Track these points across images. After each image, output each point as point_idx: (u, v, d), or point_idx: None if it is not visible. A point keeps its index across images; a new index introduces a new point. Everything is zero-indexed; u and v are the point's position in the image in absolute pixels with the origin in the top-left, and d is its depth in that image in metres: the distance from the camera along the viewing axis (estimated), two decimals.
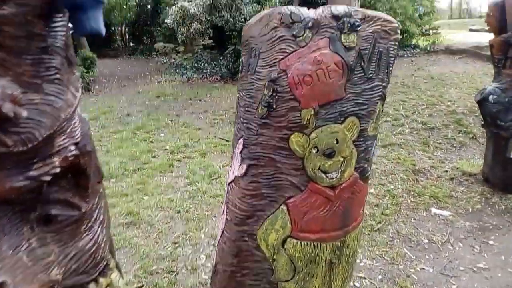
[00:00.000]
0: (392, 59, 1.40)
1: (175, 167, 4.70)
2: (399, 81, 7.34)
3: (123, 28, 18.15)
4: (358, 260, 2.96)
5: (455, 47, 10.66)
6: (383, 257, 3.00)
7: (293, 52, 1.29)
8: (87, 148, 0.95)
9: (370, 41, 1.31)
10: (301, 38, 1.29)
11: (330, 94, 1.31)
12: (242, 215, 1.47)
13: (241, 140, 1.47)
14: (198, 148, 5.35)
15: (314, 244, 1.43)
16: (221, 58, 10.34)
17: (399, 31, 1.40)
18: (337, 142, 1.35)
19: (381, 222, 3.46)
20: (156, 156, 5.06)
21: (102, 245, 1.09)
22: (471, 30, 14.95)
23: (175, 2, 10.02)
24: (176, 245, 3.06)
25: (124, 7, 16.49)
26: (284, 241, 1.45)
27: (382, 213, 3.60)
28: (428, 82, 7.17)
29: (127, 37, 18.35)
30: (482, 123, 4.33)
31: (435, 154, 4.92)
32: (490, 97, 3.89)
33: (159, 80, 10.77)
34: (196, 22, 8.39)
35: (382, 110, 1.48)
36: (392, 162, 4.68)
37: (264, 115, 1.34)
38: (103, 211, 1.10)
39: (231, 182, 1.54)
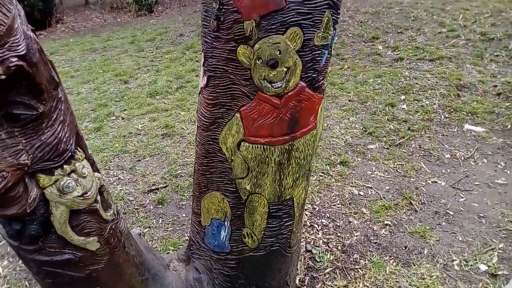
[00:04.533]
0: None
1: None
2: None
3: None
4: (369, 172, 3.06)
5: None
6: (396, 170, 3.06)
7: None
8: (33, 60, 1.16)
9: None
10: None
11: (269, 5, 1.35)
12: (206, 122, 1.66)
13: (202, 53, 1.60)
14: None
15: (263, 147, 1.58)
16: None
17: None
18: (280, 53, 1.42)
19: (404, 137, 3.44)
20: (199, 75, 5.30)
21: (64, 139, 1.35)
22: None
23: None
24: None
25: None
26: (239, 145, 1.63)
27: (408, 129, 3.56)
28: None
29: None
30: None
31: (488, 67, 4.52)
32: None
33: None
34: None
35: (335, 20, 1.49)
36: (435, 77, 4.42)
37: (215, 28, 1.45)
38: (63, 113, 1.34)
39: (199, 93, 1.71)
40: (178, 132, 3.73)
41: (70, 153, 1.37)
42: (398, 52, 5.11)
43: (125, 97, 4.74)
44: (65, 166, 1.34)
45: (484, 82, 4.23)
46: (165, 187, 2.94)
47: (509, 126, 3.49)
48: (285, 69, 1.46)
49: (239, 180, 1.66)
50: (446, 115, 3.75)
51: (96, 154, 3.45)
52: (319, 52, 1.52)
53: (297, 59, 1.45)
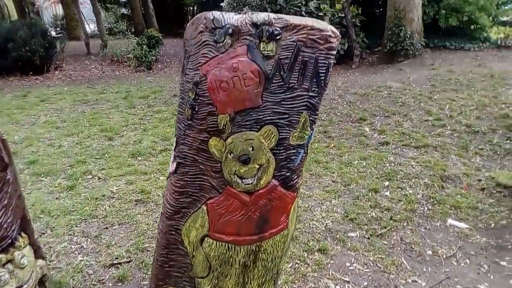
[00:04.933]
0: (324, 68, 1.35)
1: None
2: (453, 78, 6.80)
3: (195, 7, 19.02)
4: (348, 264, 2.90)
5: None
6: (376, 264, 2.91)
7: (213, 57, 1.31)
8: None
9: (292, 50, 1.29)
10: (221, 44, 1.30)
11: (246, 102, 1.31)
12: (171, 210, 1.55)
13: (175, 138, 1.53)
14: None
15: (228, 246, 1.46)
16: None
17: (334, 40, 1.35)
18: (253, 149, 1.35)
19: (386, 227, 3.32)
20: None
21: (5, 225, 1.22)
22: None
23: None
24: None
25: None
26: (202, 240, 1.51)
27: (390, 218, 3.46)
28: (486, 81, 6.56)
29: None
30: None
31: (472, 160, 4.55)
32: None
33: None
34: (247, 6, 8.43)
35: (313, 120, 1.44)
36: (420, 165, 4.42)
37: (189, 117, 1.39)
38: (9, 197, 1.22)
39: (167, 177, 1.61)
40: (154, 199, 3.58)
41: (10, 240, 1.23)
42: (384, 136, 5.16)
43: (106, 154, 4.63)
44: (0, 256, 1.20)
45: (469, 175, 4.23)
46: (128, 262, 2.74)
47: (493, 225, 3.42)
48: (257, 166, 1.38)
49: (199, 280, 1.51)
50: (430, 207, 3.68)
51: (64, 216, 3.26)
52: (294, 151, 1.46)
53: (270, 157, 1.38)
